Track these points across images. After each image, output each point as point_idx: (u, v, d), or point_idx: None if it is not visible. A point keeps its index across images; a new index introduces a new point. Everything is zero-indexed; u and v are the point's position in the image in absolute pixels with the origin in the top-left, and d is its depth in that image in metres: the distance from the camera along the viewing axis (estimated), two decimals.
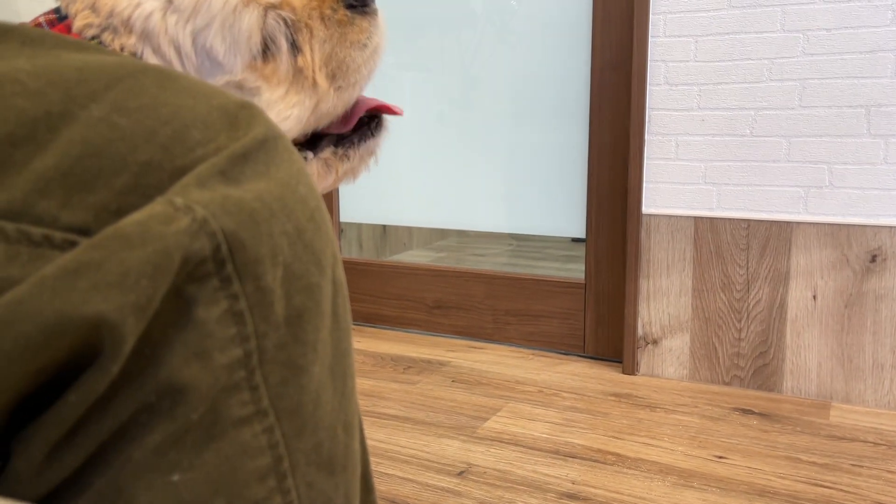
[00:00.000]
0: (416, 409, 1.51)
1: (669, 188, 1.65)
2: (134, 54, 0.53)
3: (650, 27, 1.62)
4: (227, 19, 0.55)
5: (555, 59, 1.83)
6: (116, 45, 0.52)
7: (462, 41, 1.95)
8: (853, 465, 1.27)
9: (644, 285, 1.69)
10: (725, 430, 1.41)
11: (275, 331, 0.31)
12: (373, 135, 0.67)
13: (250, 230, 0.30)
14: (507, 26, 1.89)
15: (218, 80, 0.55)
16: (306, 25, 0.60)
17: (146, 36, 0.53)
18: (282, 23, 0.59)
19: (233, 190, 0.30)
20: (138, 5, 0.53)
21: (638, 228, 1.67)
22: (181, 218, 0.28)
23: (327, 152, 0.65)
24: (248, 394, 0.30)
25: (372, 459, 1.28)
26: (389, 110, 0.69)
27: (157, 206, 0.28)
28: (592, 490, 1.18)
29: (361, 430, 0.42)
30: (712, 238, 1.62)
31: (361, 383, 1.66)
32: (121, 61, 0.33)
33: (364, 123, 0.67)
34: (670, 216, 1.65)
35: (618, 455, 1.31)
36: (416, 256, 2.48)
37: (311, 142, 0.64)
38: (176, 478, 0.29)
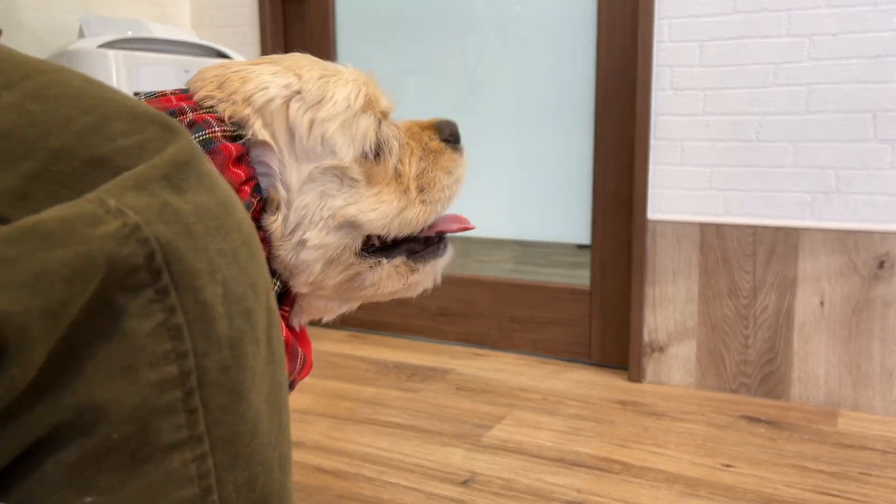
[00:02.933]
0: (420, 418, 1.50)
1: (675, 194, 1.64)
2: (243, 121, 0.62)
3: (655, 32, 1.61)
4: (347, 118, 0.65)
5: (559, 65, 1.83)
6: (228, 111, 0.62)
7: (466, 46, 1.94)
8: (861, 473, 1.26)
9: (650, 292, 1.68)
10: (732, 438, 1.40)
11: (217, 351, 0.29)
12: (441, 254, 0.76)
13: (187, 242, 0.28)
14: (512, 32, 1.88)
15: (324, 162, 0.65)
16: (408, 143, 0.72)
17: (261, 111, 0.63)
18: (395, 132, 0.71)
19: (174, 198, 0.29)
20: (264, 89, 0.63)
21: (643, 235, 1.66)
22: (110, 221, 0.27)
23: (399, 261, 0.72)
24: (183, 417, 0.29)
25: (375, 468, 1.27)
26: (461, 228, 0.79)
27: (86, 205, 0.27)
28: (598, 499, 1.17)
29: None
30: (718, 244, 1.61)
31: (365, 390, 1.65)
32: (48, 61, 0.32)
33: (433, 242, 0.76)
34: (676, 222, 1.64)
35: (624, 463, 1.30)
36: None
37: (386, 249, 0.72)
38: (90, 499, 0.27)
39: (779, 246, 1.56)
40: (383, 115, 0.70)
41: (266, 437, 0.33)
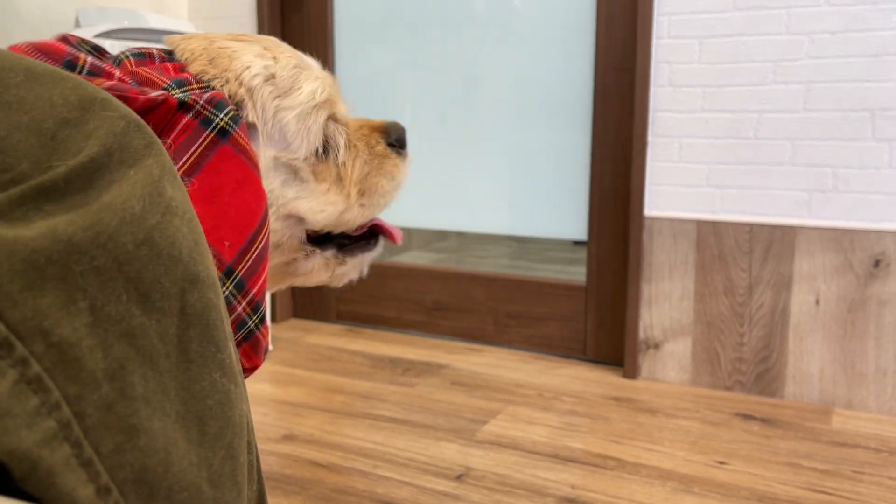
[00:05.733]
0: (415, 412, 1.50)
1: (672, 191, 1.64)
2: (239, 102, 0.61)
3: (654, 28, 1.61)
4: (305, 110, 0.65)
5: (558, 60, 1.82)
6: (226, 91, 0.61)
7: (464, 41, 1.94)
8: (855, 471, 1.26)
9: (646, 289, 1.68)
10: (726, 435, 1.40)
11: (92, 390, 0.27)
12: (369, 249, 0.78)
13: (25, 279, 0.25)
14: (510, 27, 1.88)
15: (281, 156, 0.65)
16: (354, 146, 0.72)
17: (251, 92, 0.63)
18: (343, 133, 0.70)
19: (8, 231, 0.26)
20: (248, 69, 0.63)
21: (640, 231, 1.66)
22: None
23: (329, 254, 0.74)
24: (83, 472, 0.26)
25: (370, 462, 1.27)
26: (391, 236, 0.78)
27: None
28: (592, 495, 1.17)
29: (254, 453, 0.37)
30: (715, 241, 1.61)
31: (360, 384, 1.65)
32: None
33: (364, 237, 0.77)
34: (673, 219, 1.64)
35: (618, 460, 1.30)
36: (415, 258, 2.47)
37: (320, 239, 0.73)
38: None
39: (775, 244, 1.56)
40: (336, 117, 0.70)
41: (185, 461, 0.30)
